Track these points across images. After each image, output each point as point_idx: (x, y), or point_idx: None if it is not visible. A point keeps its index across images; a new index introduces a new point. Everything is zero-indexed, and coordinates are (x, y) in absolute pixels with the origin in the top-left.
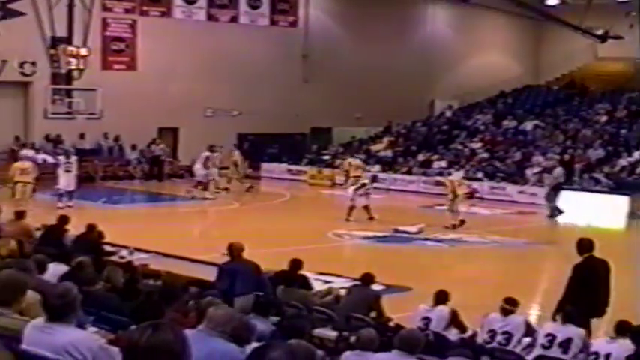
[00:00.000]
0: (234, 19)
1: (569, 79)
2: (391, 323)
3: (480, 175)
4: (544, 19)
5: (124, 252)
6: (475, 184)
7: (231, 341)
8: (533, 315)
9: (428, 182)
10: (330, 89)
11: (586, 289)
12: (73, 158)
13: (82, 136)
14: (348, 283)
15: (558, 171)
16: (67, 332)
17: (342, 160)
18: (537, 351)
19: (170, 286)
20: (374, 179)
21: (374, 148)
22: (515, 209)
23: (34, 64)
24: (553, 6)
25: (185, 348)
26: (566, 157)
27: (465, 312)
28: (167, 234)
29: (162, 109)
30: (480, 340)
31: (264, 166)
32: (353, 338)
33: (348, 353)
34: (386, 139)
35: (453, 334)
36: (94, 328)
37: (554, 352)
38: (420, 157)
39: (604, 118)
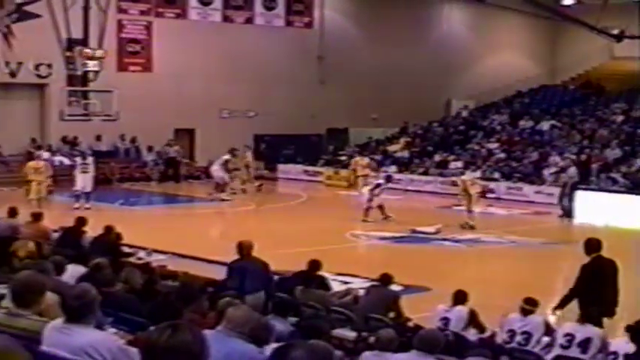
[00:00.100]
0: (249, 21)
1: (586, 78)
2: (410, 324)
3: (496, 175)
4: (560, 18)
5: (141, 253)
6: (492, 185)
7: (249, 342)
8: (552, 315)
9: (445, 183)
10: (346, 90)
11: (594, 290)
12: (90, 159)
13: (98, 138)
14: (367, 284)
15: (572, 171)
16: (85, 333)
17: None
18: (556, 351)
19: (188, 287)
20: (388, 179)
21: (390, 148)
22: (533, 209)
23: (49, 66)
24: (569, 6)
25: (203, 348)
26: (583, 156)
27: (483, 312)
28: (185, 235)
29: (179, 111)
30: (499, 340)
31: (281, 167)
32: (372, 339)
33: (367, 354)
34: (402, 140)
35: (471, 335)
36: (113, 330)
37: (573, 352)
38: (437, 158)
39: (620, 118)
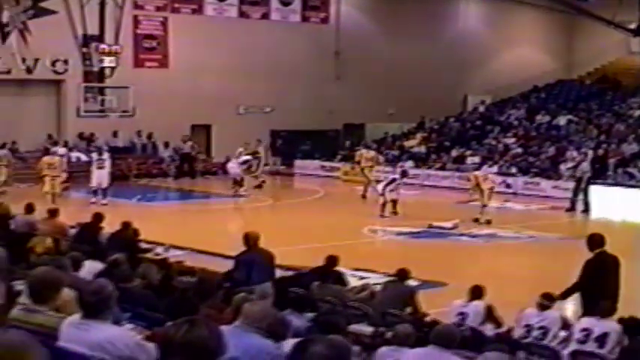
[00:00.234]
0: (265, 16)
1: (602, 73)
2: (427, 319)
3: (513, 170)
4: (576, 13)
5: (159, 249)
6: (509, 180)
7: (267, 337)
8: (569, 310)
9: (462, 178)
10: (363, 85)
11: (597, 285)
12: (106, 155)
13: (115, 134)
14: (384, 279)
15: (585, 166)
16: (102, 329)
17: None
18: (573, 346)
19: (205, 282)
20: (404, 174)
21: (407, 143)
22: (550, 204)
23: (66, 62)
24: (585, 0)
25: (220, 344)
26: (600, 151)
27: (499, 307)
28: (202, 231)
29: (195, 107)
30: (516, 335)
31: (298, 162)
32: (389, 334)
33: (384, 349)
34: (419, 135)
35: (488, 330)
36: (130, 325)
37: (590, 346)
38: (454, 153)
39: (637, 113)
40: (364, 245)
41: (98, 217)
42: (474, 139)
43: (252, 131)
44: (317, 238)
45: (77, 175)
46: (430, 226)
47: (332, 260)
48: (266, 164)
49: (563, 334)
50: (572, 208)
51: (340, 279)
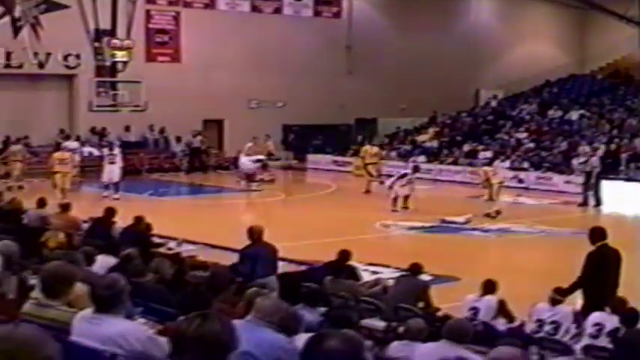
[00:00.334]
0: (278, 11)
1: (614, 68)
2: (439, 313)
3: (526, 165)
4: (589, 8)
5: (171, 244)
6: (521, 174)
7: (279, 331)
8: (579, 305)
9: (474, 172)
10: (375, 80)
11: (597, 278)
12: (117, 150)
13: (127, 129)
14: (396, 274)
15: (594, 160)
16: (115, 323)
17: (358, 147)
18: (585, 340)
19: (217, 277)
20: (416, 169)
21: (419, 138)
22: (562, 199)
23: (78, 56)
24: None
25: (232, 338)
26: (613, 146)
27: (512, 302)
28: (214, 225)
29: (207, 101)
30: (527, 330)
31: (310, 157)
32: (401, 328)
33: (396, 343)
34: (431, 130)
35: (501, 324)
36: (143, 320)
37: (603, 341)
38: (466, 148)
39: None
40: (377, 240)
41: (111, 212)
42: (486, 133)
43: (265, 126)
44: (329, 233)
45: (89, 169)
46: (443, 221)
47: (344, 255)
48: (278, 159)
49: (574, 329)
50: (584, 203)
51: (353, 273)
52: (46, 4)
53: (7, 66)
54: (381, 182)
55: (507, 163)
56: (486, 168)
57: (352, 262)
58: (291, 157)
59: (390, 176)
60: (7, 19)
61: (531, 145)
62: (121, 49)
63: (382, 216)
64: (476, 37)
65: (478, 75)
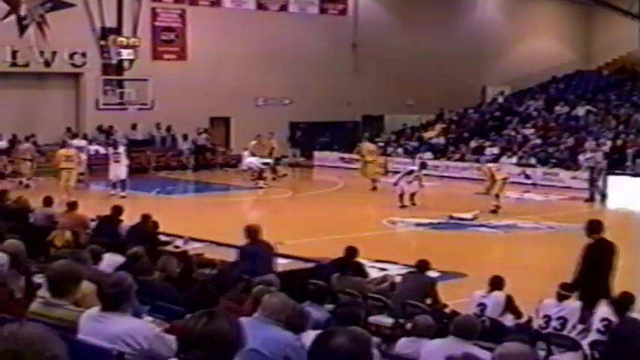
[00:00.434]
0: (283, 8)
1: (620, 64)
2: (447, 310)
3: (532, 161)
4: (594, 4)
5: (178, 242)
6: (528, 170)
7: (286, 329)
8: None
9: (479, 169)
10: (381, 77)
11: (596, 271)
12: (121, 148)
13: (134, 127)
14: (404, 270)
15: (598, 156)
16: (122, 321)
17: (359, 145)
18: (593, 336)
19: (225, 274)
20: (423, 166)
21: (426, 135)
22: (569, 195)
23: (84, 55)
24: None
25: (240, 336)
26: (619, 142)
27: (519, 298)
28: (221, 223)
29: (214, 99)
30: (535, 325)
31: (317, 154)
32: (409, 325)
33: (403, 340)
34: (438, 126)
35: (508, 320)
36: (150, 318)
37: None
38: (473, 144)
39: None
40: (384, 236)
41: (118, 210)
42: (492, 130)
43: (271, 123)
44: (336, 230)
45: (96, 167)
46: (450, 217)
47: (352, 251)
48: (284, 156)
49: (580, 325)
50: (591, 199)
51: (360, 270)
52: (51, 2)
53: (14, 65)
54: (386, 172)
55: (514, 159)
56: (490, 164)
57: (359, 259)
58: (298, 155)
59: (396, 172)
60: (12, 17)
61: (538, 141)
62: (127, 47)
63: (389, 213)
64: (482, 34)
65: (484, 71)
